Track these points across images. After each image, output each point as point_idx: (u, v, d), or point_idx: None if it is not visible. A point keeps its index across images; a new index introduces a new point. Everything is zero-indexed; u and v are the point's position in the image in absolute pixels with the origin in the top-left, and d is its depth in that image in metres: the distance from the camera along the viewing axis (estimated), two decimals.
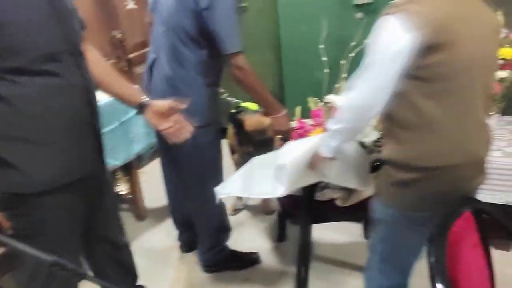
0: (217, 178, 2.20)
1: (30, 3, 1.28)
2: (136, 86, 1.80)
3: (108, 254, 1.73)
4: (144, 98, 1.64)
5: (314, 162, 1.59)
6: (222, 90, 2.58)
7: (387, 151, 1.39)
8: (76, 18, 1.46)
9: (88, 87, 1.46)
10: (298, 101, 2.44)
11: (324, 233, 2.48)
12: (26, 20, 1.27)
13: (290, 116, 2.15)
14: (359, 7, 3.20)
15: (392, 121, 1.36)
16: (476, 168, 1.41)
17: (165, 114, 1.64)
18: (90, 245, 1.67)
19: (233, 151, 2.71)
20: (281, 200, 2.21)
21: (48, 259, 1.19)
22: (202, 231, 2.33)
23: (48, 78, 1.33)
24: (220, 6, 1.80)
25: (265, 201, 2.91)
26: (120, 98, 1.64)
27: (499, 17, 2.11)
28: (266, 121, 2.36)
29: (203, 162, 2.12)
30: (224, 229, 2.35)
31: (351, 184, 1.74)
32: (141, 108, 1.63)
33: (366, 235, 2.54)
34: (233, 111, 2.63)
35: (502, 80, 2.47)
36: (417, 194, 1.37)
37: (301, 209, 2.00)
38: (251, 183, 1.73)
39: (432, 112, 1.28)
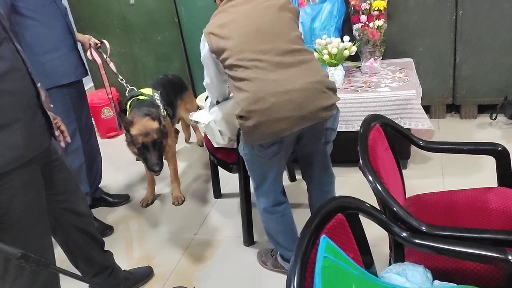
0: None
1: None
2: None
3: (73, 224, 1.83)
4: None
5: None
6: (120, 77, 2.70)
7: (236, 111, 1.83)
8: None
9: (29, 70, 1.55)
10: None
11: None
12: None
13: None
14: None
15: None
16: (296, 100, 1.73)
17: None
18: (55, 216, 1.76)
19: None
20: (218, 153, 2.45)
21: (16, 253, 1.33)
22: None
23: None
24: None
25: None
26: None
27: None
28: (154, 125, 2.38)
29: None
30: None
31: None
32: None
33: (291, 179, 2.91)
34: (129, 100, 2.67)
35: (378, 28, 2.94)
36: (254, 133, 1.79)
37: (237, 158, 2.26)
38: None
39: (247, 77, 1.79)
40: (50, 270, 1.44)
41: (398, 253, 1.46)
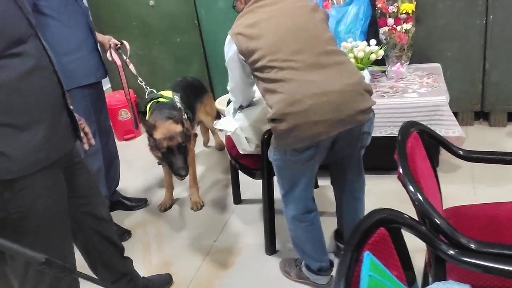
0: None
1: None
2: None
3: (94, 229, 1.77)
4: None
5: None
6: (140, 79, 2.63)
7: (269, 114, 1.75)
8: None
9: (55, 68, 1.50)
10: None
11: None
12: None
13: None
14: None
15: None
16: (334, 102, 1.66)
17: None
18: (76, 221, 1.70)
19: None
20: (242, 159, 2.37)
21: (40, 258, 1.26)
22: None
23: (21, 61, 1.35)
24: None
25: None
26: None
27: None
28: (178, 128, 2.30)
29: None
30: None
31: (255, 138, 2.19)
32: None
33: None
34: (148, 103, 2.60)
35: (406, 31, 2.85)
36: (289, 136, 1.71)
37: (261, 164, 2.18)
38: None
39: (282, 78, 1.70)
40: (74, 276, 1.37)
41: (439, 270, 1.36)
